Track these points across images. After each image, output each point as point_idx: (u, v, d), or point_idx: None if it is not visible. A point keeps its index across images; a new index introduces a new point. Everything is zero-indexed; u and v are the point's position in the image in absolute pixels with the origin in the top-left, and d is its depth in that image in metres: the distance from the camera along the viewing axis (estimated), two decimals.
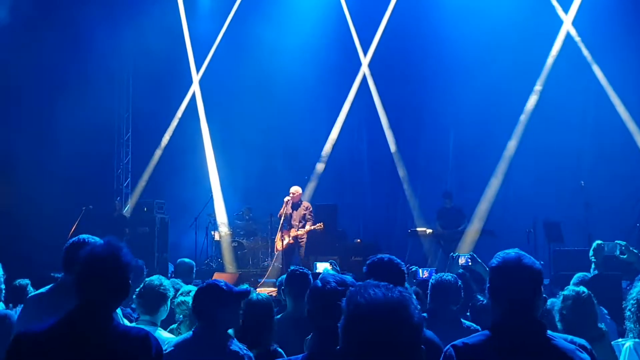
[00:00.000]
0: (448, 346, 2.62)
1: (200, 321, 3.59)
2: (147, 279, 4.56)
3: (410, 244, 13.01)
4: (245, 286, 3.95)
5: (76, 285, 2.63)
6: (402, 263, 3.31)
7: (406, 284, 3.80)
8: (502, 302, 2.59)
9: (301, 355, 2.65)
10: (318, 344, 2.57)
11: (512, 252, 2.63)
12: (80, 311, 2.55)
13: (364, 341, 1.74)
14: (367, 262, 3.36)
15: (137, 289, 4.53)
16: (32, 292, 5.28)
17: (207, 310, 3.52)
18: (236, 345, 3.48)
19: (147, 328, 4.14)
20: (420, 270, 6.82)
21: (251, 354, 3.49)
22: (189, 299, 4.53)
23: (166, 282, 4.51)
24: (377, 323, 1.73)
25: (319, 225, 10.77)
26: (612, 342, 4.01)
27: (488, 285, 2.67)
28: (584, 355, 2.54)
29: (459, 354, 2.54)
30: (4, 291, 4.91)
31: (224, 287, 3.60)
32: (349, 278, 2.70)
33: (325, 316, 2.57)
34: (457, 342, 2.61)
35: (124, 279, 2.65)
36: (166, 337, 4.27)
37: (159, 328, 4.36)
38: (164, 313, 4.47)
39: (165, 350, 3.57)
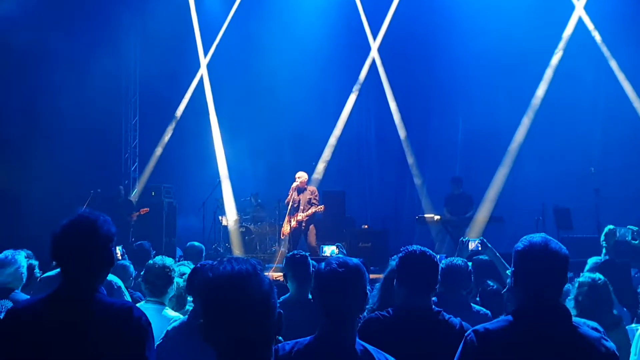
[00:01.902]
0: (469, 331, 2.58)
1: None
2: (149, 261, 4.51)
3: (418, 231, 12.97)
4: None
5: (57, 264, 2.55)
6: (435, 255, 3.27)
7: None
8: (527, 287, 2.54)
9: (309, 337, 2.64)
10: (324, 326, 2.54)
11: (538, 236, 2.59)
12: (64, 286, 2.50)
13: (215, 312, 1.87)
14: (399, 255, 3.30)
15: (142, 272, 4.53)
16: (38, 273, 5.29)
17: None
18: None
19: (154, 307, 4.17)
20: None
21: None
22: (180, 281, 4.56)
23: (169, 262, 4.46)
24: (222, 293, 1.86)
25: (319, 208, 10.73)
26: (627, 327, 3.97)
27: (512, 269, 2.61)
28: (609, 343, 2.48)
29: (480, 339, 2.50)
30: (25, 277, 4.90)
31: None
32: (353, 260, 2.65)
33: (326, 298, 2.56)
34: (479, 327, 2.57)
35: (103, 250, 2.54)
36: (172, 315, 4.28)
37: (166, 307, 4.35)
38: (170, 292, 4.46)
39: (165, 334, 3.60)
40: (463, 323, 3.15)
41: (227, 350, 1.88)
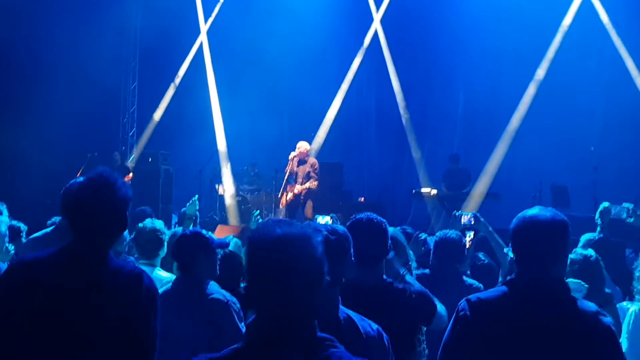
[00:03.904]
0: (462, 300, 2.55)
1: (181, 269, 3.58)
2: (139, 224, 4.49)
3: (414, 205, 12.98)
4: (229, 237, 3.97)
5: (69, 220, 2.48)
6: (384, 220, 3.08)
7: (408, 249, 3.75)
8: (524, 259, 2.52)
9: None
10: None
11: (535, 208, 2.58)
12: (74, 244, 2.44)
13: (264, 274, 1.77)
14: (347, 224, 3.10)
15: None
16: (24, 239, 5.26)
17: (189, 257, 3.53)
18: (219, 293, 3.47)
19: (146, 269, 4.14)
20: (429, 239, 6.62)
21: (235, 300, 3.46)
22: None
23: (159, 225, 4.46)
24: (274, 255, 1.75)
25: (313, 184, 10.58)
26: (618, 305, 3.97)
27: (511, 242, 2.60)
28: (607, 318, 2.46)
29: (473, 309, 2.48)
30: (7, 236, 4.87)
31: (207, 236, 3.61)
32: (341, 227, 2.62)
33: None
34: (471, 297, 2.55)
35: (119, 213, 2.48)
36: (164, 276, 4.31)
37: (157, 267, 4.37)
38: (162, 254, 4.48)
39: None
40: (417, 289, 3.08)
41: (272, 318, 1.79)
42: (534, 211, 2.54)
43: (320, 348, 1.81)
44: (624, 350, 3.53)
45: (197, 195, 5.82)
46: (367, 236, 2.94)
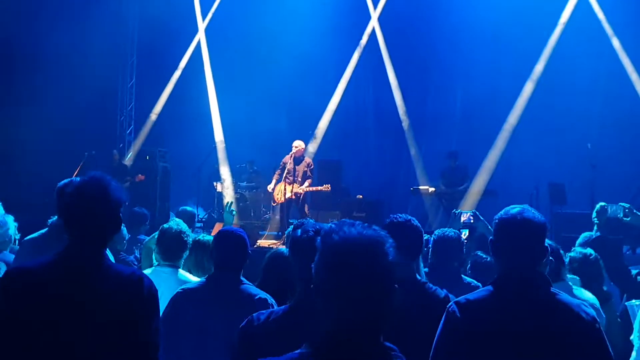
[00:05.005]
0: (451, 303, 2.58)
1: (223, 268, 3.49)
2: (165, 225, 4.37)
3: (412, 202, 12.98)
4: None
5: (64, 223, 2.52)
6: (419, 225, 3.20)
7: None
8: (504, 256, 2.57)
9: (286, 305, 2.63)
10: (302, 294, 2.52)
11: (515, 207, 2.62)
12: (70, 249, 2.47)
13: (339, 277, 1.70)
14: (386, 222, 3.18)
15: (155, 235, 4.46)
16: (17, 235, 5.24)
17: (236, 256, 3.49)
18: (263, 293, 3.40)
19: (169, 270, 4.13)
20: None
21: (274, 302, 3.39)
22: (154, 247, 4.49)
23: (185, 228, 4.34)
24: (352, 259, 1.69)
25: (325, 187, 10.53)
26: (627, 303, 3.97)
27: (490, 239, 2.64)
28: (590, 309, 2.50)
29: (462, 310, 2.50)
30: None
31: (244, 234, 3.58)
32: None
33: (304, 266, 2.50)
34: (460, 298, 2.58)
35: (113, 215, 2.53)
36: (189, 278, 4.19)
37: (180, 270, 4.25)
38: (184, 256, 4.35)
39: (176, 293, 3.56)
40: (449, 295, 3.08)
41: (344, 324, 1.73)
42: (517, 209, 2.59)
43: (385, 357, 1.78)
44: (636, 348, 3.53)
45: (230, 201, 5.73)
46: (407, 232, 3.06)
